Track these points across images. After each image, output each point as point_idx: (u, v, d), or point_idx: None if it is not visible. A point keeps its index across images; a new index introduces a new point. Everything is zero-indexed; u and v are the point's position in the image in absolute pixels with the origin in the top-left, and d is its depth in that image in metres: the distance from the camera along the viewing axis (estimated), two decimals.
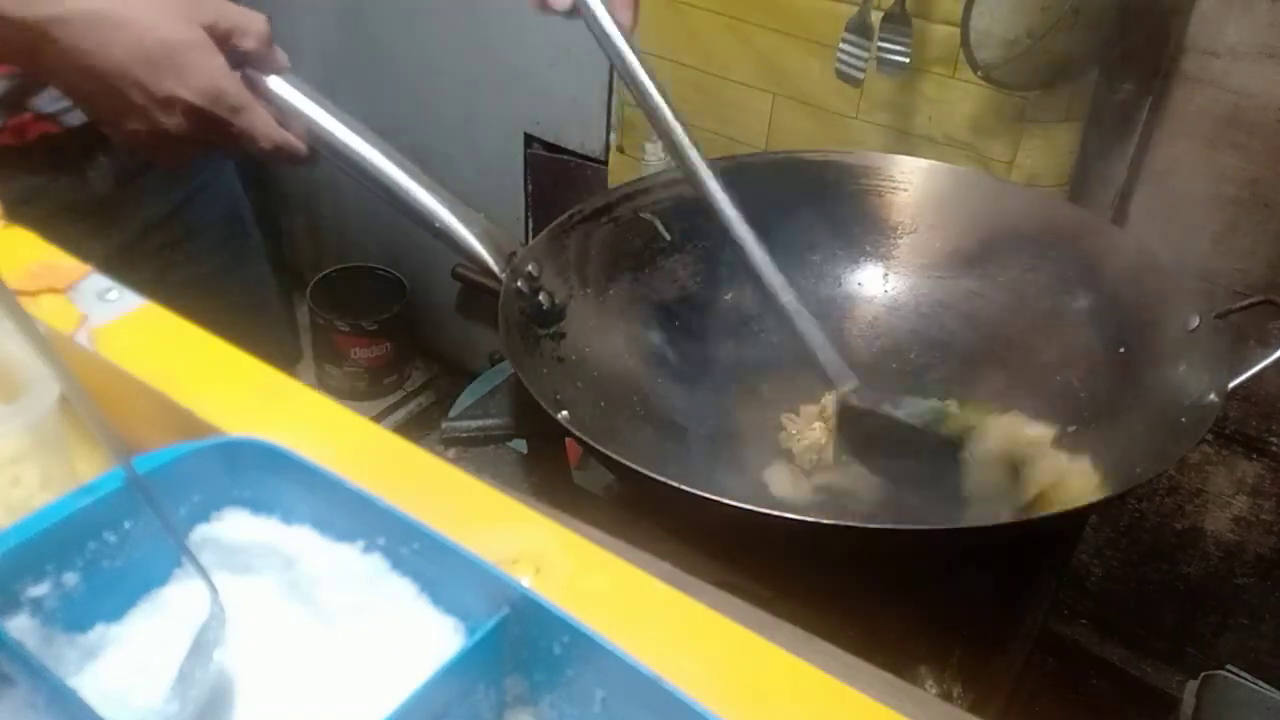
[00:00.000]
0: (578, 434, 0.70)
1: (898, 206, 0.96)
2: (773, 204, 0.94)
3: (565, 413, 0.74)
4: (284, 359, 1.24)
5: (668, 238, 0.93)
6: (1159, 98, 1.20)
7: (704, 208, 0.88)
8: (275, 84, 0.72)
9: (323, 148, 0.73)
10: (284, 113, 0.71)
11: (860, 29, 1.16)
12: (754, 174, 0.96)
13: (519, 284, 0.80)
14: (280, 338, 1.18)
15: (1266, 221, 1.21)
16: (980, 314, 0.91)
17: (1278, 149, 1.16)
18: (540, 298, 0.82)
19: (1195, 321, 0.78)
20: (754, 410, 0.88)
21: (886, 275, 0.96)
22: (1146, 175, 1.26)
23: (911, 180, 0.95)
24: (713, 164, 0.88)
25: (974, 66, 1.11)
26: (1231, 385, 0.73)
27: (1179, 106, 1.21)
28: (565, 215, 0.88)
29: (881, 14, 1.14)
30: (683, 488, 0.64)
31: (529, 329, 0.81)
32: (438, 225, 0.76)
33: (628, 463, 0.66)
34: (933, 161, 0.97)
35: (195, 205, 0.98)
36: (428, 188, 0.76)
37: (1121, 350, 0.83)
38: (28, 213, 0.81)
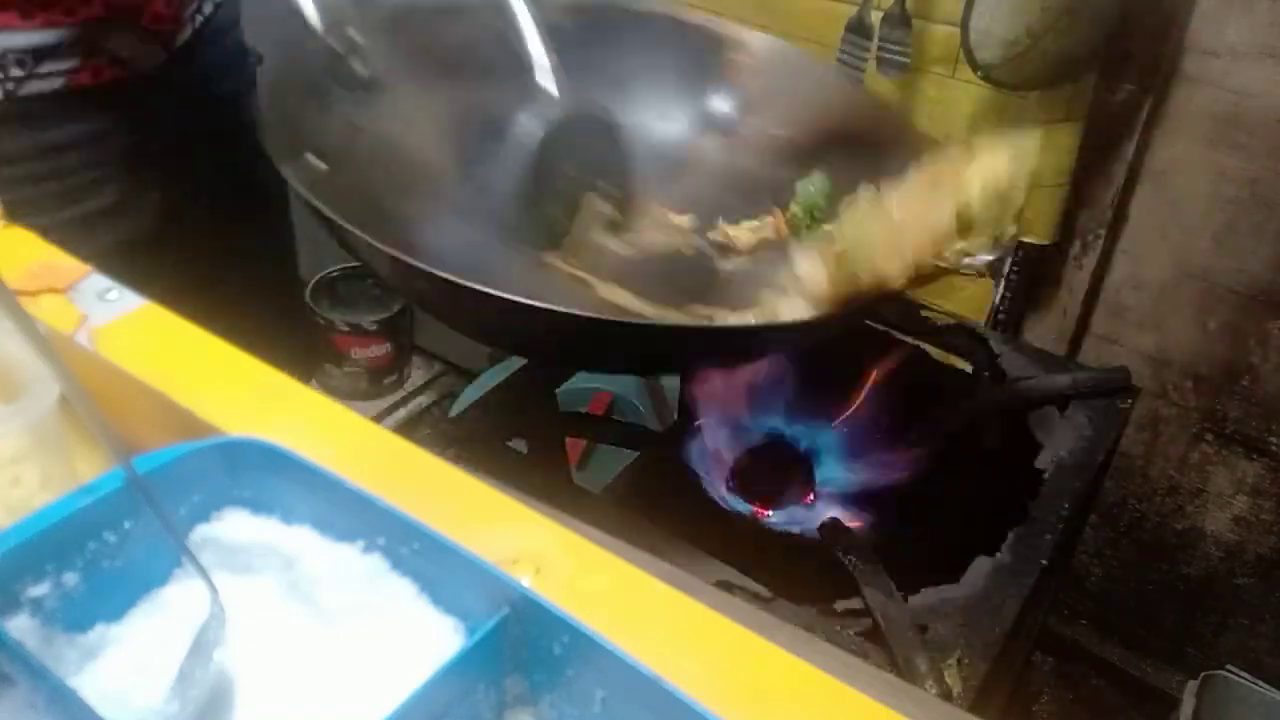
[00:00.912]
0: (305, 192, 0.64)
1: (752, 84, 0.95)
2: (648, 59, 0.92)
3: (315, 159, 0.69)
4: (302, 355, 1.26)
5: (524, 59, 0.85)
6: (1159, 98, 1.20)
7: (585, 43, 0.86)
8: None
9: None
10: None
11: (860, 29, 1.16)
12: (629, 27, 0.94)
13: (333, 41, 0.75)
14: (297, 333, 1.20)
15: (1266, 221, 1.21)
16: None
17: (1278, 149, 1.16)
18: (354, 64, 0.77)
19: None
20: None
21: (724, 142, 0.95)
22: (1146, 175, 1.26)
23: (768, 62, 0.94)
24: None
25: (974, 66, 1.11)
26: None
27: (1179, 106, 1.21)
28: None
29: (881, 14, 1.14)
30: (412, 263, 0.60)
31: (324, 80, 0.76)
32: None
33: (349, 226, 0.62)
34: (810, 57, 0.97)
35: (246, 175, 0.99)
36: None
37: None
38: (92, 155, 0.83)
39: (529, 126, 0.80)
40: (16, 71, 0.77)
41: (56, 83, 0.79)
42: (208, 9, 0.90)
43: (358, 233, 0.62)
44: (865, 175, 0.80)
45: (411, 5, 0.83)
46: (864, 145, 0.88)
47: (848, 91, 0.96)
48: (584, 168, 0.84)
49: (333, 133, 0.76)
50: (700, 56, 0.94)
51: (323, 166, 0.69)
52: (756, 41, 0.95)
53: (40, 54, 0.77)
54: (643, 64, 0.93)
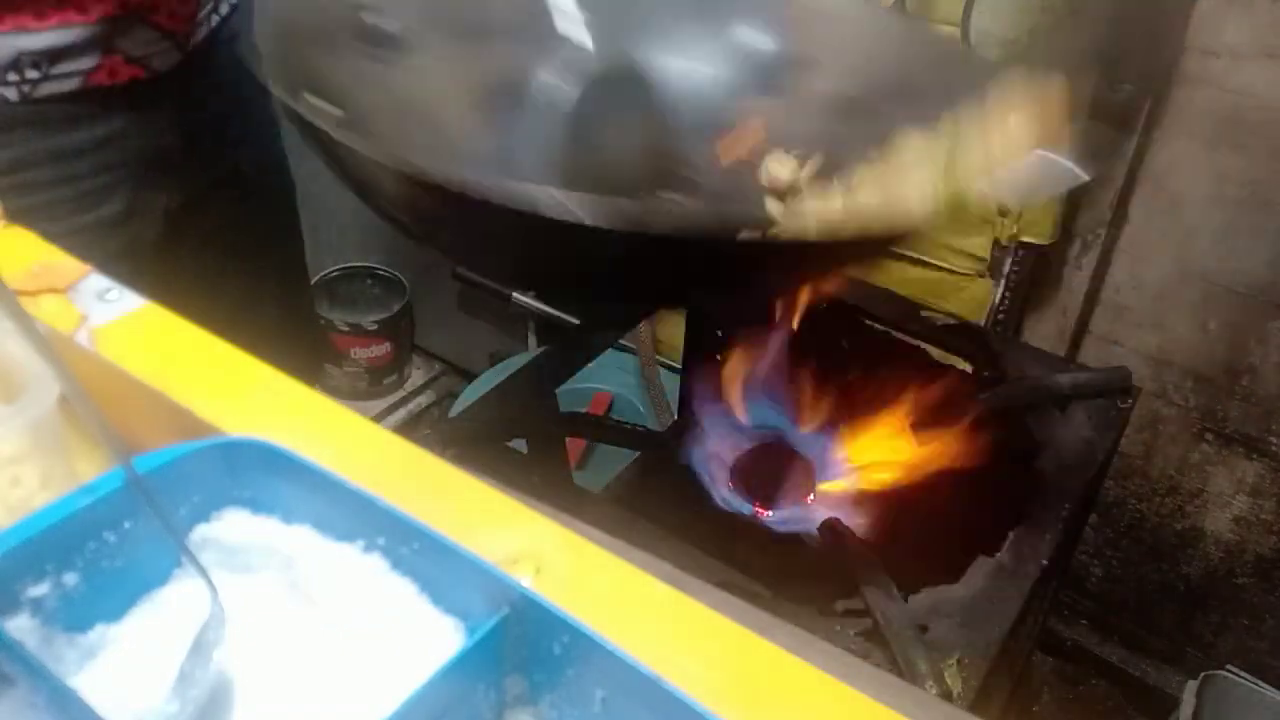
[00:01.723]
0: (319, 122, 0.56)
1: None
2: None
3: (321, 101, 0.62)
4: (310, 356, 1.25)
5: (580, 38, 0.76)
6: (1159, 98, 1.20)
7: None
8: None
9: None
10: None
11: None
12: None
13: None
14: (306, 335, 1.20)
15: (1266, 221, 1.21)
16: None
17: (1278, 149, 1.16)
18: (379, 22, 0.71)
19: None
20: None
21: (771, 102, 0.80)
22: (1146, 175, 1.26)
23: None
24: None
25: None
26: None
27: (1179, 106, 1.21)
28: None
29: None
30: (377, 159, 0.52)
31: (337, 32, 0.70)
32: None
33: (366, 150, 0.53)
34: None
35: (255, 180, 0.99)
36: None
37: None
38: (105, 160, 0.83)
39: (559, 84, 0.74)
40: (32, 74, 0.77)
41: (72, 83, 0.79)
42: (224, 9, 0.90)
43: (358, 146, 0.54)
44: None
45: None
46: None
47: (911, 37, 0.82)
48: (625, 129, 0.77)
49: (345, 85, 0.68)
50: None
51: (337, 111, 0.63)
52: None
53: (56, 55, 0.77)
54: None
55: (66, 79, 0.79)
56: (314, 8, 0.70)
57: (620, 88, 0.78)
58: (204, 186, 0.93)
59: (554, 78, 0.76)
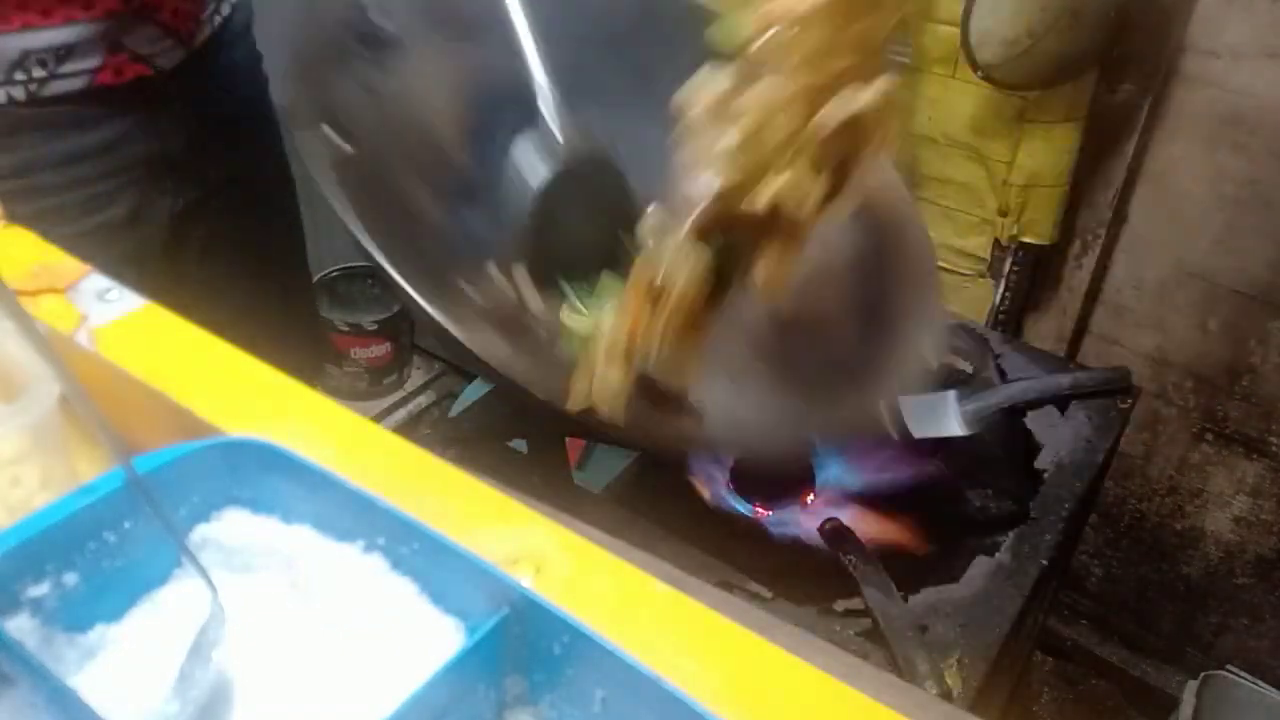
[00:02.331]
0: (353, 225, 0.58)
1: None
2: None
3: (334, 134, 0.64)
4: (312, 357, 1.25)
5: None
6: (1159, 98, 1.20)
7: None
8: None
9: None
10: None
11: None
12: None
13: None
14: (308, 334, 1.20)
15: (1266, 221, 1.21)
16: None
17: (1278, 149, 1.16)
18: (383, 22, 0.71)
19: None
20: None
21: None
22: (1146, 175, 1.26)
23: None
24: None
25: (974, 66, 1.11)
26: None
27: (1179, 106, 1.21)
28: None
29: None
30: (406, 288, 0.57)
31: (344, 38, 0.71)
32: None
33: (368, 245, 0.57)
34: None
35: (258, 180, 0.99)
36: None
37: None
38: (110, 163, 0.83)
39: (533, 158, 0.75)
40: (39, 72, 0.77)
41: (79, 82, 0.79)
42: (225, 9, 0.90)
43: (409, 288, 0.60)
44: None
45: None
46: None
47: None
48: (593, 216, 0.77)
49: (351, 102, 0.70)
50: None
51: (348, 149, 0.65)
52: None
53: (62, 54, 0.77)
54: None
55: (73, 78, 0.79)
56: (323, 13, 0.70)
57: (590, 171, 0.78)
58: (208, 188, 0.93)
59: (529, 154, 0.76)
